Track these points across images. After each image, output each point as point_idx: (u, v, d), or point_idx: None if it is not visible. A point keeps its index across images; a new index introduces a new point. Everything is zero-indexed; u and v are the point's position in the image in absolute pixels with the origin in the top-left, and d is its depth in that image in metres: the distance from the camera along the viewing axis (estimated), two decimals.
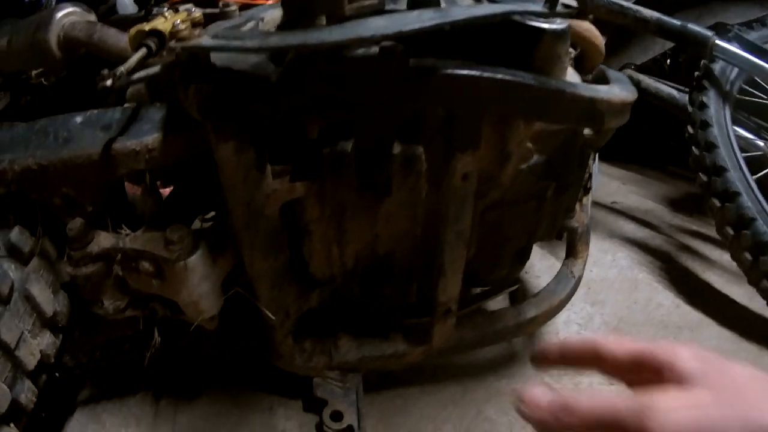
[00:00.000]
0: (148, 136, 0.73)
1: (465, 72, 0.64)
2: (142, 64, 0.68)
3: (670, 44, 1.43)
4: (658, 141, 1.67)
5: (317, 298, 0.82)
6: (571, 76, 0.79)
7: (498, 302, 1.02)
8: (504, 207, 0.78)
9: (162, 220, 0.77)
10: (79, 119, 0.77)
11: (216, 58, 0.64)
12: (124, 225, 0.79)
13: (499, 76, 0.65)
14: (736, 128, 1.26)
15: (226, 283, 0.81)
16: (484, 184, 0.74)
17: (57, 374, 0.91)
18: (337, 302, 0.86)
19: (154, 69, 0.79)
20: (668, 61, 1.63)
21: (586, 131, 0.82)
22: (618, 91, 0.76)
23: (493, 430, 0.90)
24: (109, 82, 0.79)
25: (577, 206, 0.97)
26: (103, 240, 0.76)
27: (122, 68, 0.76)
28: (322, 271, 0.80)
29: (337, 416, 0.87)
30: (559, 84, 0.69)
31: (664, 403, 0.33)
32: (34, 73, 1.03)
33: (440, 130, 0.69)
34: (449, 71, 0.64)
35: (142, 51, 0.74)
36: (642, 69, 1.49)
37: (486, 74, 0.65)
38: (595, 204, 1.42)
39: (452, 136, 0.68)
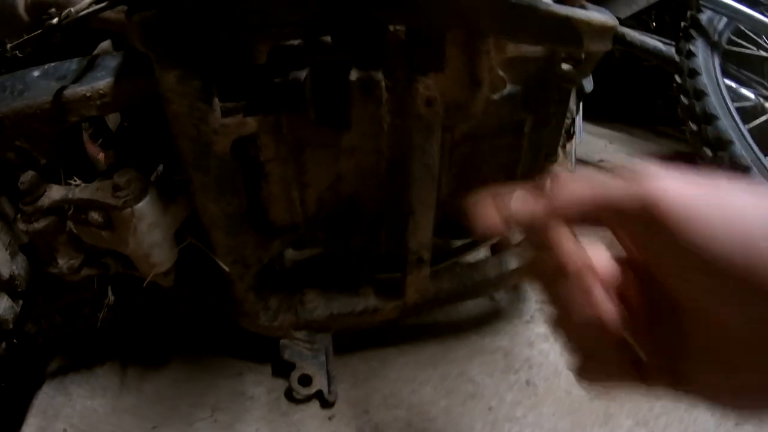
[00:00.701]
0: (100, 82, 0.67)
1: None
2: None
3: None
4: (644, 100, 1.58)
5: (279, 247, 0.74)
6: None
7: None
8: (477, 141, 0.70)
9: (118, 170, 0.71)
10: (36, 72, 0.72)
11: None
12: (76, 177, 0.73)
13: None
14: (725, 80, 1.17)
15: (181, 234, 0.73)
16: (453, 114, 0.66)
17: (15, 341, 0.83)
18: (304, 256, 0.79)
19: (103, 4, 0.73)
20: (654, 23, 1.54)
21: (565, 66, 0.75)
22: (597, 14, 0.68)
23: (476, 392, 0.82)
24: (55, 20, 0.76)
25: (561, 152, 0.88)
26: (55, 192, 0.71)
27: (72, 9, 0.74)
28: (283, 218, 0.72)
29: (305, 380, 0.79)
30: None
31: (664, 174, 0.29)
32: (9, 45, 1.00)
33: (401, 52, 0.61)
34: None
35: None
36: (627, 27, 1.40)
37: None
38: (582, 162, 1.33)
39: (413, 58, 0.60)
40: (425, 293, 0.78)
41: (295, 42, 0.63)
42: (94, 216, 0.71)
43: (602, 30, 0.68)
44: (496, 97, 0.68)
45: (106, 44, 0.90)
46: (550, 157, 0.85)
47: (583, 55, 0.73)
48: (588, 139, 1.42)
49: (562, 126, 0.81)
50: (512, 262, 0.82)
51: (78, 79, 0.69)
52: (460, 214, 0.79)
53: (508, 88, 0.68)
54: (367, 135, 0.65)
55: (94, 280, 0.81)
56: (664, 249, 0.29)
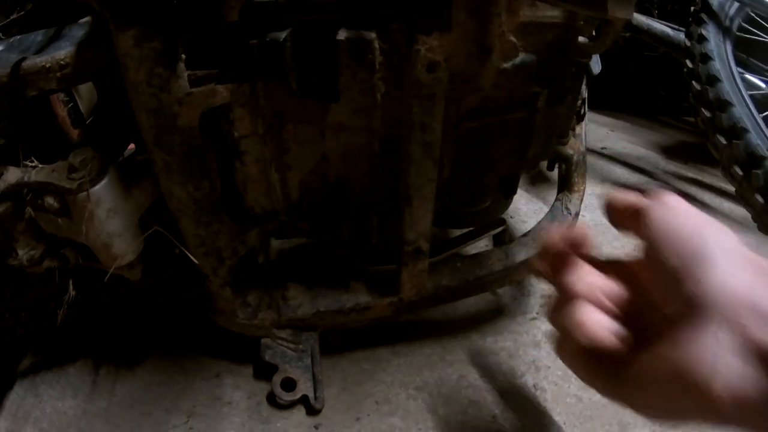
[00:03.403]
0: (61, 51, 0.55)
1: None
2: None
3: None
4: (646, 90, 1.45)
5: (257, 238, 0.61)
6: None
7: (480, 248, 0.80)
8: (485, 116, 0.56)
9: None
10: (1, 47, 0.60)
11: None
12: (33, 157, 0.61)
13: None
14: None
15: (147, 220, 0.60)
16: (460, 86, 0.53)
17: None
18: (287, 246, 0.66)
19: None
20: (656, 11, 1.41)
21: (581, 39, 0.62)
22: None
23: (478, 398, 0.69)
24: None
25: (571, 135, 0.75)
26: (11, 175, 0.59)
27: None
28: (261, 205, 0.59)
29: (289, 384, 0.66)
30: None
31: None
32: None
33: (399, 10, 0.48)
34: None
35: None
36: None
37: None
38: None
39: (414, 14, 0.47)
40: (422, 289, 0.65)
41: None
42: (50, 201, 0.59)
43: None
44: (507, 66, 0.54)
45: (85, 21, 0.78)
46: (562, 138, 0.72)
47: (594, 31, 0.60)
48: (590, 127, 1.29)
49: (576, 103, 0.69)
50: (519, 254, 0.69)
51: (41, 50, 0.56)
52: (461, 200, 0.66)
53: (521, 57, 0.55)
54: (358, 109, 0.52)
55: (56, 272, 0.68)
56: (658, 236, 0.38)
